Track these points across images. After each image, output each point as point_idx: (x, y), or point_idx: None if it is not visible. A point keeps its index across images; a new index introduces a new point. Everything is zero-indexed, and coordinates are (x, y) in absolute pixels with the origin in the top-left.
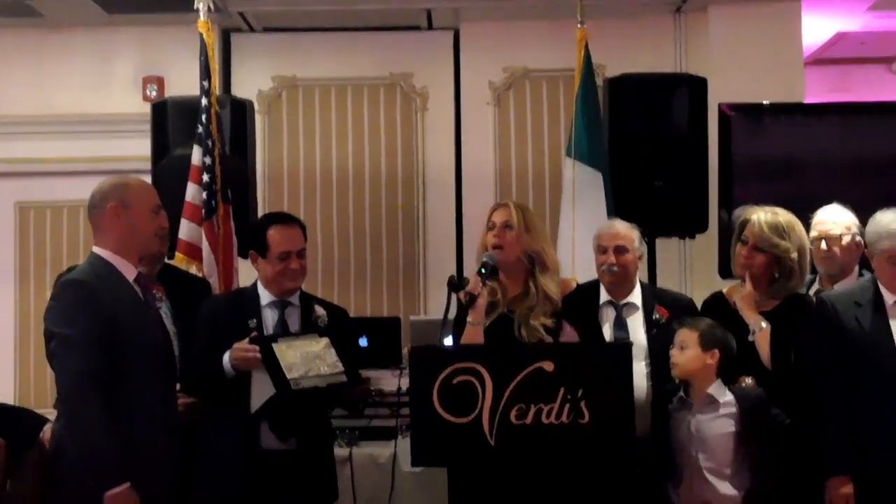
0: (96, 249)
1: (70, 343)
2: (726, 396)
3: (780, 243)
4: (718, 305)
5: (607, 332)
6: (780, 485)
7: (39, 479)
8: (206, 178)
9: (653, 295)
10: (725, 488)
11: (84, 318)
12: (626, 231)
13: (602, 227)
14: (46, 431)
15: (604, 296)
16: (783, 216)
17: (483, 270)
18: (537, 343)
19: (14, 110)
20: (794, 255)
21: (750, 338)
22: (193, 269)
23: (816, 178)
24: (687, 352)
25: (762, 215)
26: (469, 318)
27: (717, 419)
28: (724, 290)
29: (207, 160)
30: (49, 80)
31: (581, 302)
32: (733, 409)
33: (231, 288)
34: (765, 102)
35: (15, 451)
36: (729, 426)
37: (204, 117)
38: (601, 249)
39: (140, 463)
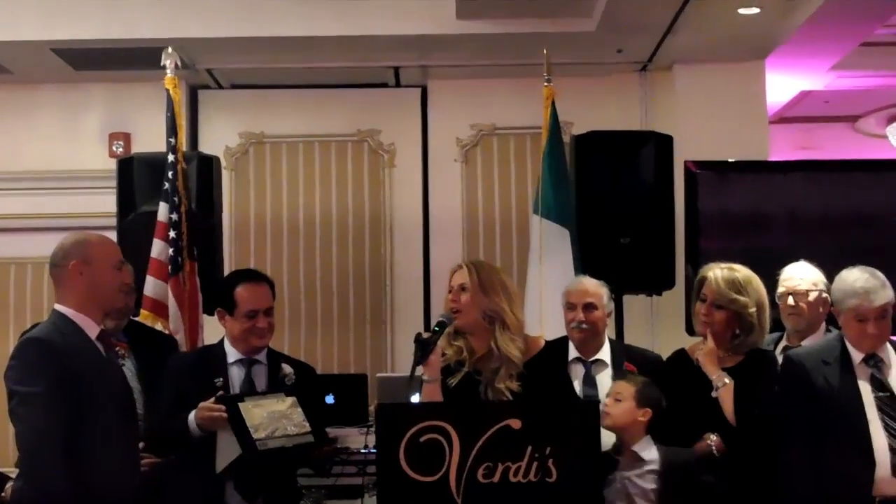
0: (58, 307)
1: (31, 400)
2: (652, 454)
3: (738, 299)
4: (681, 362)
5: (576, 389)
6: None
7: None
8: (172, 234)
9: (621, 351)
10: None
11: (45, 376)
12: (595, 288)
13: (571, 284)
14: (7, 490)
15: (572, 352)
16: (740, 272)
17: (436, 329)
18: (504, 401)
19: None
20: (753, 309)
21: (713, 394)
22: (159, 326)
23: (782, 233)
24: (622, 404)
25: (719, 272)
26: (424, 376)
27: (641, 476)
28: (687, 348)
29: (174, 216)
30: (16, 136)
31: (550, 359)
32: (657, 467)
33: (197, 345)
34: (730, 160)
35: None
36: (652, 483)
37: (170, 173)
38: (570, 306)
39: None
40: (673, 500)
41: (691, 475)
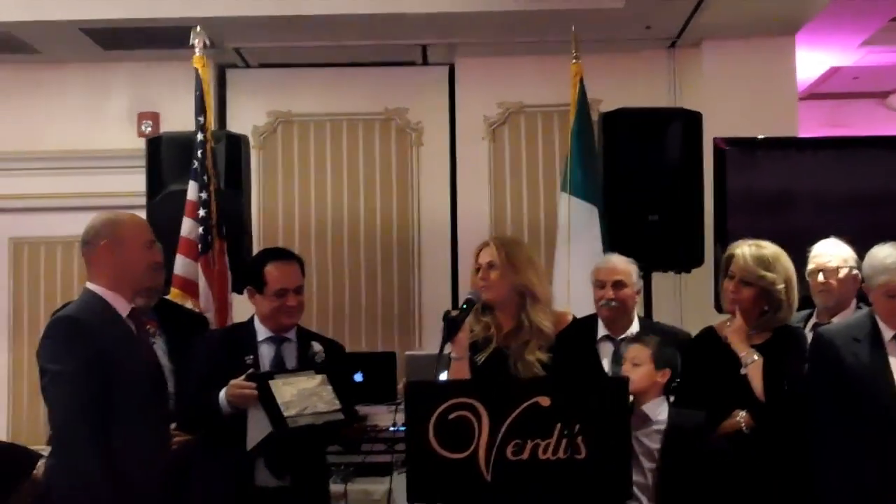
0: (89, 285)
1: (62, 379)
2: (661, 415)
3: (766, 275)
4: (710, 340)
5: (605, 367)
6: None
7: None
8: (202, 213)
9: (650, 329)
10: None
11: (76, 355)
12: (625, 266)
13: (600, 262)
14: (40, 467)
15: (601, 330)
16: (768, 249)
17: (464, 307)
18: (533, 378)
19: (9, 146)
20: (782, 286)
21: (742, 371)
22: (189, 305)
23: (810, 211)
24: (641, 368)
25: (747, 249)
26: (451, 354)
27: (648, 435)
28: (716, 325)
29: (203, 195)
30: (44, 116)
31: (578, 336)
32: (664, 427)
33: (226, 323)
34: (759, 137)
35: (8, 486)
36: (657, 443)
37: (199, 152)
38: (599, 284)
39: (132, 499)
40: (676, 460)
41: (696, 438)
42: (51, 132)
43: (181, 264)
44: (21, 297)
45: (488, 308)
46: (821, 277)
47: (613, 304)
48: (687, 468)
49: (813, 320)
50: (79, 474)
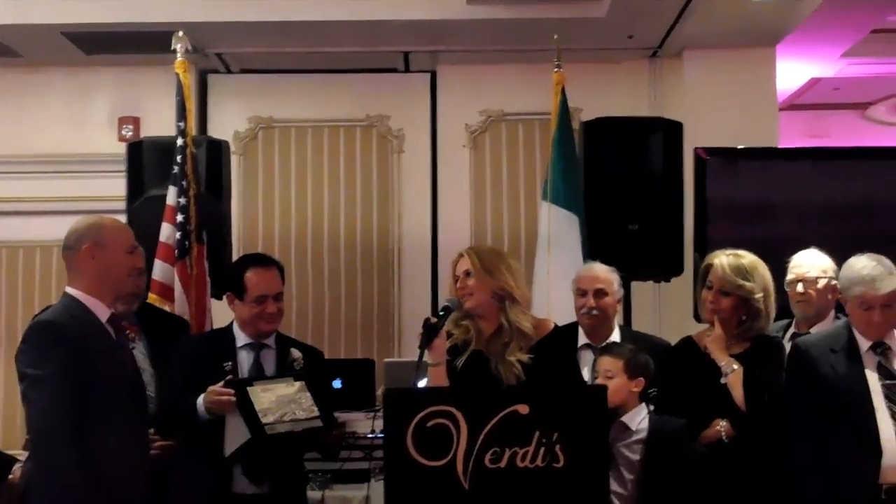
0: (69, 290)
1: (41, 383)
2: (642, 424)
3: (744, 285)
4: (689, 349)
5: (585, 375)
6: None
7: None
8: (180, 217)
9: (630, 338)
10: None
11: (55, 359)
12: (606, 274)
13: (582, 270)
14: (16, 471)
15: (582, 338)
16: (746, 258)
17: (442, 313)
18: (512, 386)
19: None
20: (760, 295)
21: (722, 380)
22: (167, 309)
23: (790, 221)
24: (614, 381)
25: (725, 259)
26: (429, 360)
27: (628, 446)
28: (694, 335)
29: (182, 200)
30: (26, 120)
31: (559, 344)
32: (645, 437)
33: (203, 329)
34: (740, 146)
35: None
36: (638, 453)
37: (179, 157)
38: (580, 292)
39: (112, 502)
40: (656, 468)
41: (676, 444)
42: (32, 136)
43: (159, 269)
44: None
45: (469, 315)
46: (800, 288)
47: (595, 312)
48: (668, 475)
49: (791, 330)
50: (58, 478)
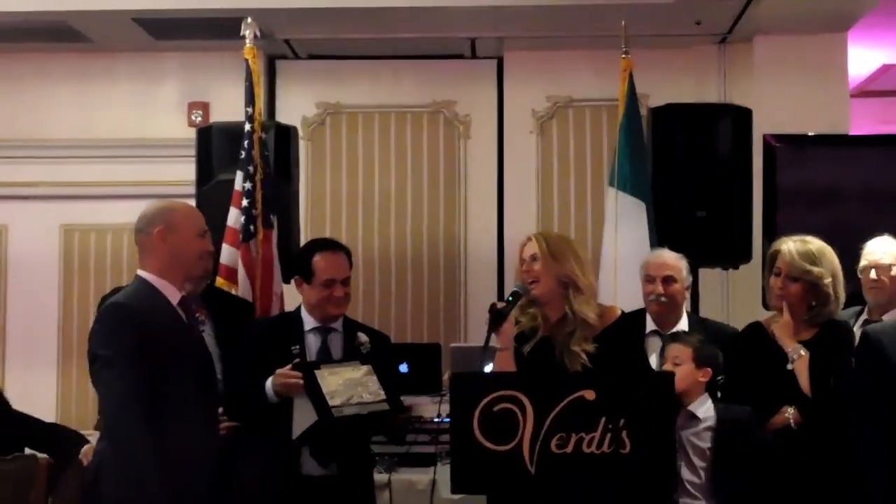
0: (141, 272)
1: (113, 364)
2: (708, 412)
3: (812, 270)
4: (757, 335)
5: (652, 362)
6: None
7: (80, 498)
8: (245, 202)
9: (699, 325)
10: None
11: (127, 340)
12: (675, 261)
13: (650, 257)
14: (88, 451)
15: (650, 325)
16: (813, 244)
17: (510, 298)
18: (579, 372)
19: (60, 134)
20: (828, 280)
21: (789, 366)
22: (233, 292)
23: (860, 207)
24: (681, 367)
25: (792, 245)
26: (497, 345)
27: (697, 434)
28: (763, 320)
29: (248, 185)
30: (95, 104)
31: (626, 331)
32: (713, 424)
33: (268, 312)
34: (810, 133)
35: (57, 469)
36: (708, 441)
37: (247, 143)
38: (649, 279)
39: (182, 483)
40: (726, 457)
41: (745, 433)
42: (102, 121)
43: (227, 253)
44: (71, 284)
45: (535, 302)
46: (873, 274)
47: (663, 299)
48: (738, 463)
49: (863, 317)
50: (129, 458)
